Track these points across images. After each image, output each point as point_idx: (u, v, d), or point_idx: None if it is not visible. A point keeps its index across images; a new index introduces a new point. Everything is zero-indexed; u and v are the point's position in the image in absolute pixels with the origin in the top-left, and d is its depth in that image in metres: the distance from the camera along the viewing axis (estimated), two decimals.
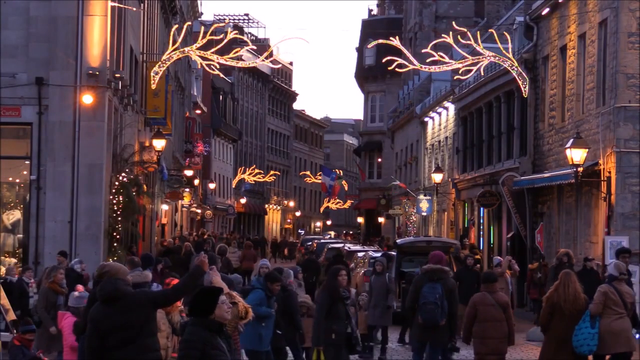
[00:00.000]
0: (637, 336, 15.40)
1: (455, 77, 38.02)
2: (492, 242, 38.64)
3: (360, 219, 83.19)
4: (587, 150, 25.60)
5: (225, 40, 30.71)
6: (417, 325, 16.04)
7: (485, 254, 38.33)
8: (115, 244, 25.01)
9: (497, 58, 30.27)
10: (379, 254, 32.23)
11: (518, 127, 35.24)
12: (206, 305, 8.83)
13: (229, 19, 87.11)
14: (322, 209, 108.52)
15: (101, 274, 10.01)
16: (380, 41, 33.06)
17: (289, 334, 15.82)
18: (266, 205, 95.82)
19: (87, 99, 24.18)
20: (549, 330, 14.27)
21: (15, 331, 15.00)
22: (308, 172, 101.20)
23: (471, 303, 15.00)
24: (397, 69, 32.12)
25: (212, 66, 30.40)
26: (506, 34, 32.18)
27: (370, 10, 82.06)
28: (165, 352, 11.84)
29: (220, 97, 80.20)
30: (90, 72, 24.23)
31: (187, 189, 49.90)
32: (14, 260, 24.58)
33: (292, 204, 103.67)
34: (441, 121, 49.43)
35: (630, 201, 25.37)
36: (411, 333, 16.49)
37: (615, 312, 14.32)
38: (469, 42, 30.47)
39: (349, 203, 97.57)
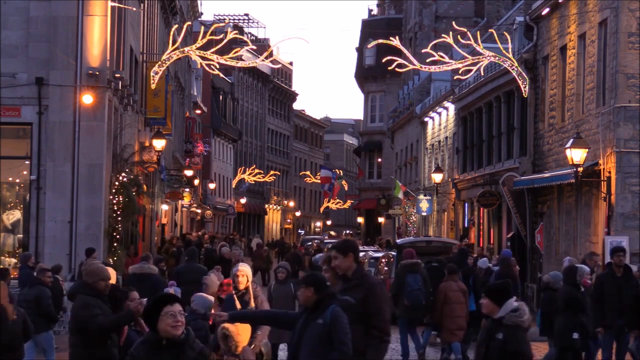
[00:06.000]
0: None
1: (455, 77, 38.02)
2: (492, 242, 38.63)
3: (360, 219, 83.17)
4: (587, 150, 25.58)
5: (225, 40, 30.71)
6: (403, 307, 19.07)
7: None
8: (115, 244, 25.00)
9: (497, 58, 30.28)
10: (379, 254, 32.26)
11: (518, 127, 35.23)
12: (148, 316, 7.57)
13: (229, 19, 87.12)
14: (322, 209, 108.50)
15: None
16: (380, 41, 33.09)
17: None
18: (266, 205, 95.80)
19: (87, 99, 24.17)
20: None
21: None
22: (308, 172, 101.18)
23: (441, 289, 18.73)
24: (397, 69, 32.14)
25: (212, 66, 30.41)
26: (506, 34, 32.19)
27: (370, 10, 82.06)
28: None
29: (220, 97, 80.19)
30: (90, 72, 24.22)
31: (187, 189, 49.90)
32: (14, 260, 24.58)
33: (292, 204, 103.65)
34: (441, 121, 49.42)
35: (630, 201, 25.35)
36: (398, 314, 19.37)
37: None
38: (469, 42, 30.48)
39: (349, 203, 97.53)
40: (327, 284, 9.12)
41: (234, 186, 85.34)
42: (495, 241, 38.13)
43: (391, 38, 30.86)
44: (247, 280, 12.38)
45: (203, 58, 30.04)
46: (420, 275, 19.30)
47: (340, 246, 9.72)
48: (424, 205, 48.56)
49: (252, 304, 12.17)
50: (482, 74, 34.96)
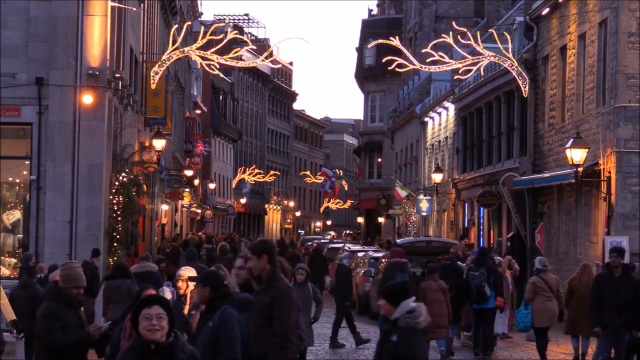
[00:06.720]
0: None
1: (455, 77, 38.03)
2: (492, 242, 38.62)
3: (360, 219, 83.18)
4: (587, 150, 25.59)
5: (225, 40, 30.73)
6: None
7: None
8: (115, 244, 25.00)
9: (497, 58, 30.29)
10: (379, 254, 32.23)
11: (518, 127, 35.23)
12: (133, 320, 7.14)
13: (229, 19, 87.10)
14: (322, 209, 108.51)
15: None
16: (380, 41, 33.13)
17: None
18: (266, 205, 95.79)
19: (87, 99, 24.16)
20: (569, 307, 19.03)
21: (15, 331, 14.90)
22: (308, 172, 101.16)
23: (420, 289, 19.23)
24: (397, 69, 32.17)
25: (212, 66, 30.43)
26: (506, 34, 32.21)
27: (370, 10, 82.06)
28: None
29: (220, 97, 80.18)
30: (90, 72, 24.21)
31: (187, 189, 49.88)
32: (14, 260, 24.58)
33: (292, 204, 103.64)
34: (441, 121, 49.43)
35: (630, 201, 25.36)
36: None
37: (544, 296, 19.00)
38: (469, 42, 30.51)
39: (349, 203, 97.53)
40: (225, 283, 8.86)
41: (234, 186, 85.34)
42: (495, 241, 38.13)
43: (391, 38, 30.88)
44: (187, 286, 11.91)
45: (203, 58, 30.05)
46: (408, 275, 19.85)
47: (254, 247, 9.46)
48: (424, 205, 48.54)
49: (186, 310, 11.74)
50: (482, 74, 34.97)
